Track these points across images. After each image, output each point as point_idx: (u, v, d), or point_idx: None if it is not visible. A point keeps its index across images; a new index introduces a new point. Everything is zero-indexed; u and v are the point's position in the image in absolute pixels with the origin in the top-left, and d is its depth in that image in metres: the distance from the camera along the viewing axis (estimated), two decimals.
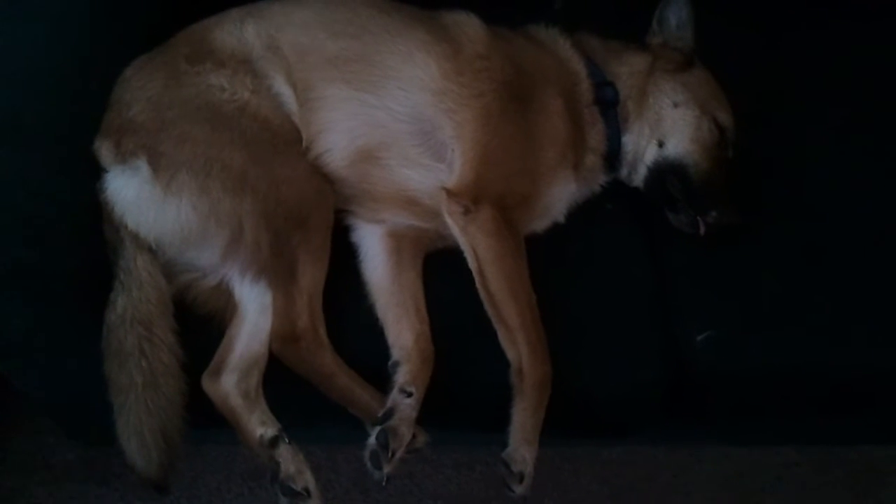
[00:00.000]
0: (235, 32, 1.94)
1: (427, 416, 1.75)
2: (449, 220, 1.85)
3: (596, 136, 2.05)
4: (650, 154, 2.07)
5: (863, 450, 2.77)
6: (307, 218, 1.78)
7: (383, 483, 1.68)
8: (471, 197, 1.84)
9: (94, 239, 1.77)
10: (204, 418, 1.72)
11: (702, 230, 1.99)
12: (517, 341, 1.77)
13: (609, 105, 2.07)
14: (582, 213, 2.07)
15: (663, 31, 2.15)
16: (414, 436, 1.72)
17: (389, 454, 1.66)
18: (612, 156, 2.08)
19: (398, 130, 1.90)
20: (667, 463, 2.71)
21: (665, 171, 2.05)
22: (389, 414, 1.69)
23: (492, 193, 1.85)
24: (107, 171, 1.78)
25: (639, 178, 2.11)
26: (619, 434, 2.29)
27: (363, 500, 2.56)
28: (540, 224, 2.00)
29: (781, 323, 1.99)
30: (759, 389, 2.02)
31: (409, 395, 1.72)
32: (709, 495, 2.67)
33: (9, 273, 1.69)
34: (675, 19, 2.13)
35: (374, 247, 1.92)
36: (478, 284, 1.82)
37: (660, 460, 2.71)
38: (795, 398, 2.07)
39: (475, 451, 2.63)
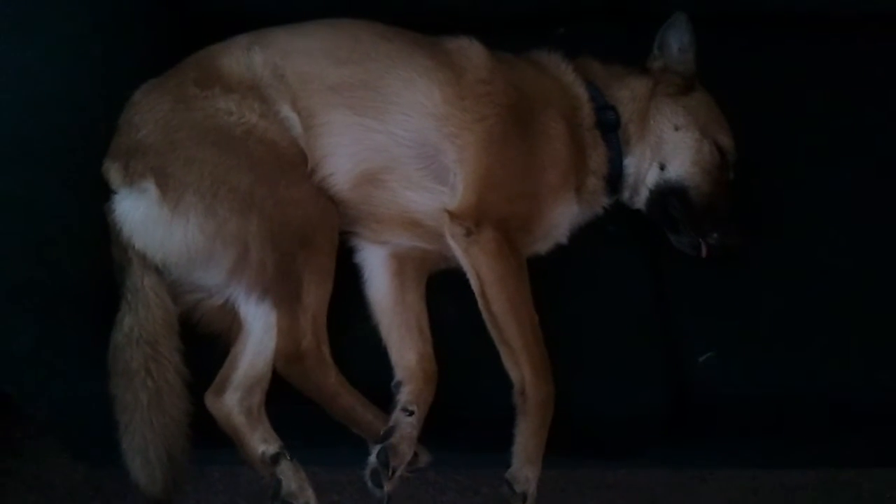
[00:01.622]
0: (243, 59, 1.97)
1: (430, 436, 1.76)
2: (451, 242, 1.86)
3: (598, 158, 2.07)
4: (651, 177, 2.08)
5: (867, 473, 2.76)
6: (312, 238, 1.80)
7: (384, 502, 1.68)
8: (473, 219, 1.85)
9: (102, 259, 1.79)
10: (207, 437, 1.73)
11: (703, 252, 2.00)
12: (520, 362, 1.78)
13: (611, 128, 2.09)
14: (584, 234, 2.08)
15: (664, 55, 2.16)
16: (416, 455, 1.73)
17: (390, 472, 1.66)
18: (614, 178, 2.09)
19: (401, 154, 1.92)
20: (671, 485, 2.70)
21: (666, 194, 2.06)
22: (390, 432, 1.70)
23: (494, 216, 1.86)
24: (115, 193, 1.80)
25: (640, 200, 2.12)
26: (622, 455, 2.29)
27: None
28: (542, 246, 2.01)
29: (783, 344, 1.99)
30: (760, 410, 2.02)
31: (411, 413, 1.72)
32: None
33: (16, 291, 1.71)
34: (677, 43, 2.15)
35: (377, 268, 1.93)
36: (480, 306, 1.83)
37: (664, 483, 2.70)
38: (798, 419, 2.07)
39: (478, 473, 2.62)
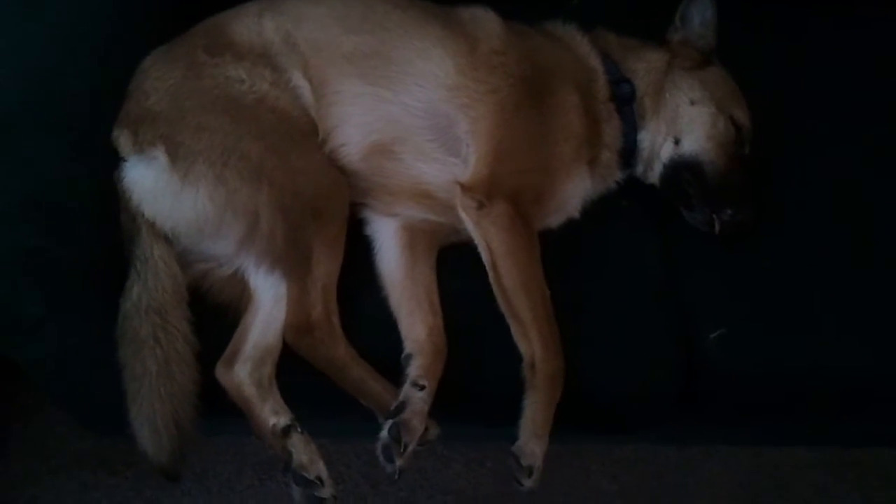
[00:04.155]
0: (254, 27, 1.95)
1: (439, 409, 1.75)
2: (463, 215, 1.85)
3: (612, 132, 2.05)
4: (666, 151, 2.06)
5: (874, 452, 2.76)
6: (323, 209, 1.79)
7: (396, 477, 1.67)
8: (485, 192, 1.84)
9: (110, 227, 1.78)
10: (214, 407, 1.73)
11: (717, 228, 1.99)
12: (530, 336, 1.78)
13: (625, 101, 2.07)
14: (597, 209, 2.06)
15: (685, 29, 2.14)
16: (426, 428, 1.72)
17: (402, 447, 1.66)
18: (628, 152, 2.07)
19: (413, 125, 1.90)
20: (677, 462, 2.71)
21: (681, 169, 2.04)
22: (402, 407, 1.69)
23: (506, 188, 1.85)
24: (125, 161, 1.79)
25: (654, 175, 2.10)
26: (629, 432, 2.28)
27: (373, 494, 2.57)
28: (554, 220, 2.00)
29: (794, 322, 1.99)
30: (770, 389, 2.01)
31: (422, 388, 1.72)
32: (719, 495, 2.67)
33: (24, 260, 1.70)
34: (699, 18, 2.12)
35: (388, 240, 1.92)
36: (491, 279, 1.82)
37: (670, 459, 2.71)
38: (807, 398, 2.06)
39: (485, 446, 2.63)
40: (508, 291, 1.80)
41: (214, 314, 1.80)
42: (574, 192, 2.00)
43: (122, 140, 1.80)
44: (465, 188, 1.85)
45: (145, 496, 2.52)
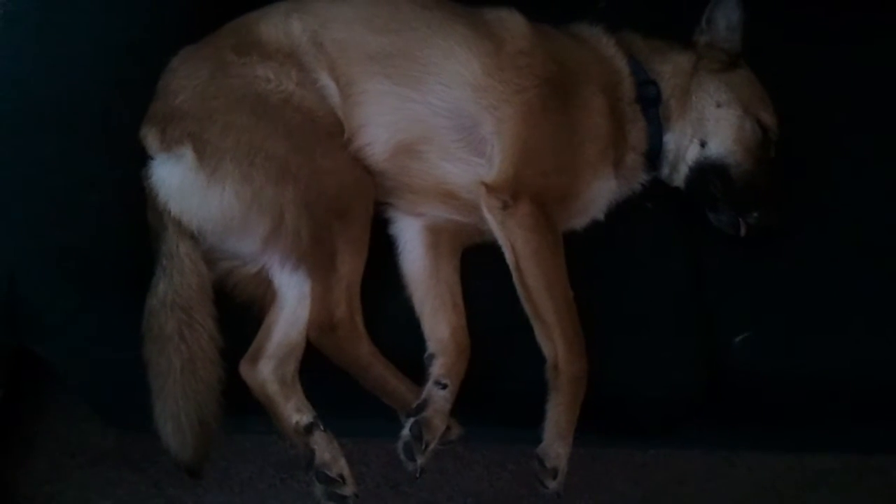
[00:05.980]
0: (281, 26, 1.96)
1: (461, 410, 1.75)
2: (487, 215, 1.85)
3: (637, 134, 2.04)
4: (692, 153, 2.06)
5: None
6: (347, 208, 1.80)
7: (417, 475, 1.67)
8: (510, 192, 1.83)
9: (138, 224, 1.79)
10: (237, 405, 1.73)
11: (743, 231, 1.98)
12: (553, 337, 1.77)
13: (651, 103, 2.06)
14: (622, 211, 2.06)
15: (711, 32, 2.13)
16: (448, 428, 1.72)
17: (423, 446, 1.65)
18: (654, 154, 2.07)
19: (438, 125, 1.90)
20: (700, 467, 2.68)
21: (707, 171, 2.04)
22: (423, 405, 1.69)
23: (531, 189, 1.84)
24: (152, 159, 1.80)
25: (680, 177, 2.09)
26: (653, 434, 2.28)
27: (393, 495, 2.56)
28: (579, 221, 2.00)
29: (820, 326, 1.98)
30: (795, 392, 2.01)
31: (444, 387, 1.72)
32: (741, 500, 2.65)
33: (52, 256, 1.72)
34: (725, 21, 2.11)
35: (412, 240, 1.92)
36: (515, 279, 1.82)
37: (693, 464, 2.69)
38: (832, 402, 2.05)
39: (507, 449, 2.62)
40: (532, 292, 1.80)
41: (239, 312, 1.81)
42: (599, 194, 2.00)
43: (150, 138, 1.82)
44: (490, 188, 1.85)
45: (167, 494, 2.52)
